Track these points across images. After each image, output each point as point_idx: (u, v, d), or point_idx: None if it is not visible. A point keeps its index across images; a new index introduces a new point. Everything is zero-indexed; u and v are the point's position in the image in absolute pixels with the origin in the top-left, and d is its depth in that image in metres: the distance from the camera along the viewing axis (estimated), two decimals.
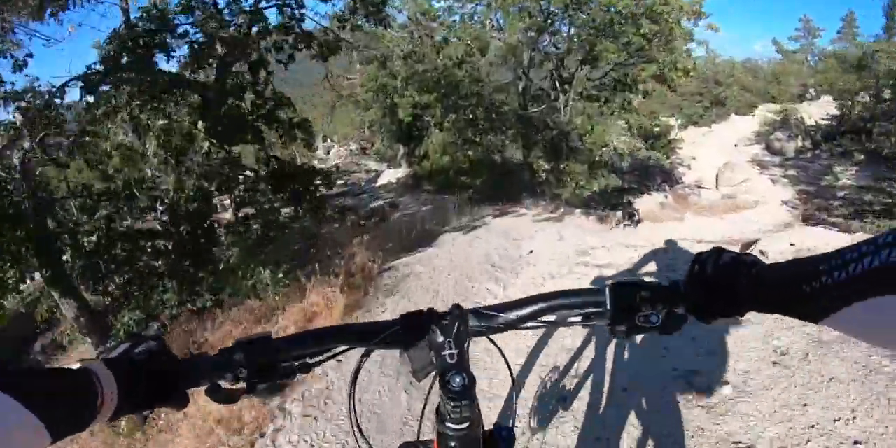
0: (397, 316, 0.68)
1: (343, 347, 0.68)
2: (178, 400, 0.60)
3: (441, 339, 0.63)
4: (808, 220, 9.28)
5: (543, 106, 10.97)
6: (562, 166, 10.23)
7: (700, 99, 23.21)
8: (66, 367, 0.53)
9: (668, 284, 0.66)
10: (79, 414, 0.50)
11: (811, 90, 22.48)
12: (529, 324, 0.71)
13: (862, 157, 12.21)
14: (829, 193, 11.29)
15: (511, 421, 0.97)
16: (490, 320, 0.69)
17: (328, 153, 22.32)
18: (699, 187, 12.62)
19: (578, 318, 0.71)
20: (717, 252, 0.63)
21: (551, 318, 0.70)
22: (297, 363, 0.65)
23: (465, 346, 0.65)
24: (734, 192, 12.09)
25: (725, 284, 0.59)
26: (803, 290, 0.48)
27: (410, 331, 0.65)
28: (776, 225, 9.25)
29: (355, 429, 0.70)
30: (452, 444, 0.64)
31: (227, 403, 0.63)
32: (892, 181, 10.50)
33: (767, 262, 0.59)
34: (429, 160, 12.57)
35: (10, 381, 0.43)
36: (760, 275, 0.56)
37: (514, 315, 0.69)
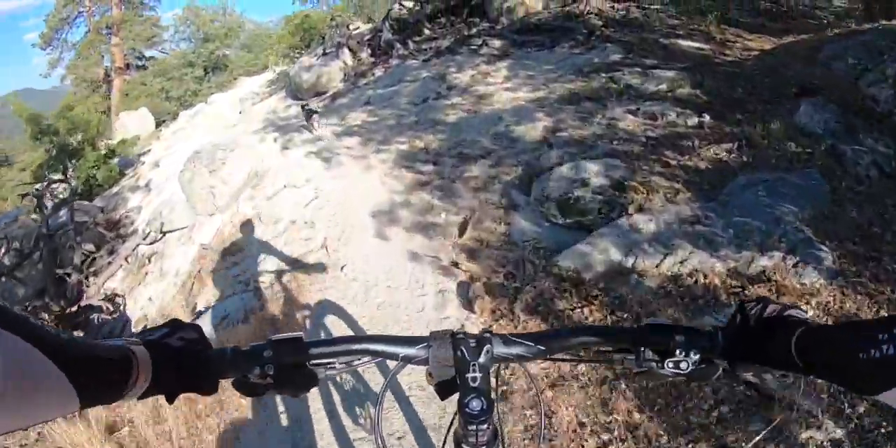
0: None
1: (370, 358, 0.70)
2: (208, 387, 0.63)
3: (467, 361, 0.65)
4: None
5: None
6: None
7: (191, 70, 17.56)
8: (108, 342, 0.56)
9: (706, 331, 0.64)
10: (110, 386, 0.52)
11: None
12: (558, 356, 0.70)
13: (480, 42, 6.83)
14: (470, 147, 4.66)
15: None
16: (518, 348, 0.68)
17: None
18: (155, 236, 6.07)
19: (608, 356, 0.70)
20: (763, 303, 0.59)
21: (580, 352, 0.70)
22: (323, 367, 0.67)
23: (490, 370, 0.66)
24: (231, 219, 5.45)
25: (768, 340, 0.56)
26: (859, 359, 0.44)
27: (438, 350, 0.66)
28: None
29: (380, 442, 0.71)
30: None
31: (251, 396, 0.65)
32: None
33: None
34: None
35: (53, 346, 0.44)
36: (810, 335, 0.53)
37: (543, 345, 0.68)
